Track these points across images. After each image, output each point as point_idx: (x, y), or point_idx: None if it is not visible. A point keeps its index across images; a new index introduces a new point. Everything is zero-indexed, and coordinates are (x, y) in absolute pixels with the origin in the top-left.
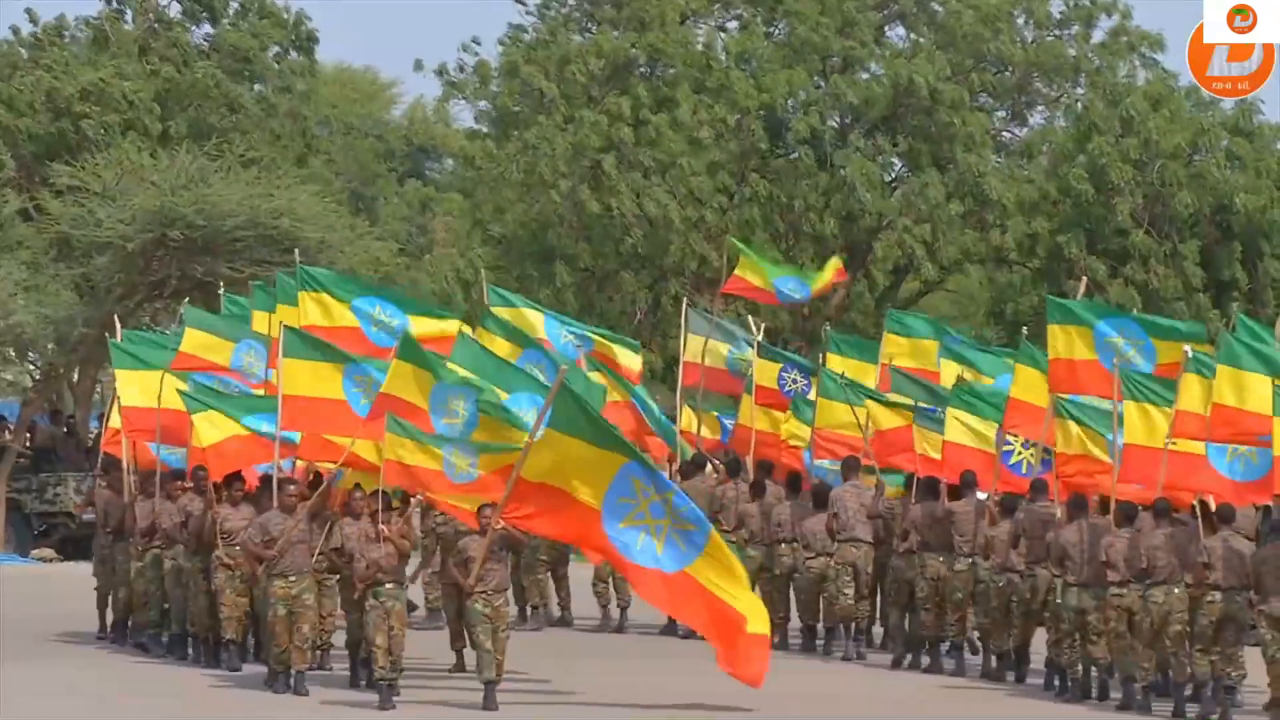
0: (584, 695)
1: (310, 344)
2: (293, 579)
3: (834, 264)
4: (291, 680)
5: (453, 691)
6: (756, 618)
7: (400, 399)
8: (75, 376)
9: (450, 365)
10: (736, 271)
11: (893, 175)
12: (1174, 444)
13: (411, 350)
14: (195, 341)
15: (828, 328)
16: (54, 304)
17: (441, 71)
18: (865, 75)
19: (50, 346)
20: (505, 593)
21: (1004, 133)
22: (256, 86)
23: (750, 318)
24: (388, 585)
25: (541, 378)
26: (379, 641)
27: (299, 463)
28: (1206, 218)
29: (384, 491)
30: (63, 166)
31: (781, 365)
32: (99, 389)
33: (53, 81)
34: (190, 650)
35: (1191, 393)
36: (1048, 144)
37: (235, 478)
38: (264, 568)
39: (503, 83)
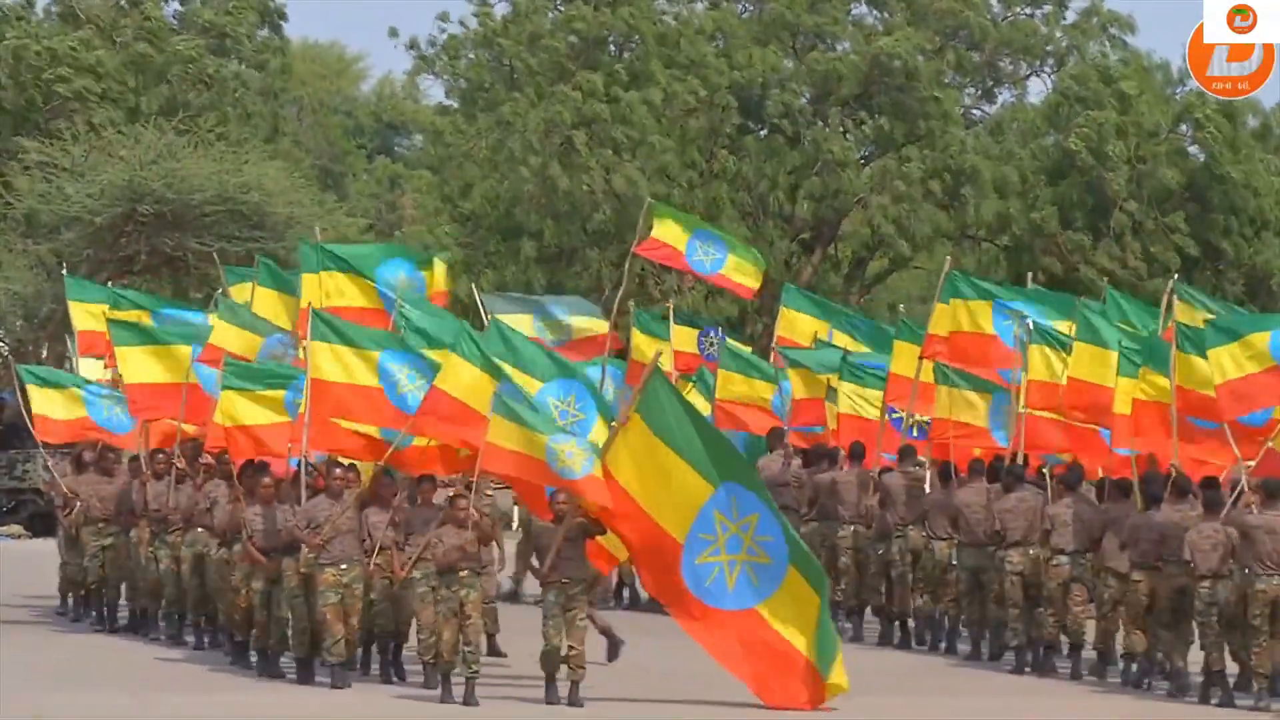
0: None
1: (338, 329)
2: (344, 567)
3: (756, 267)
4: (332, 673)
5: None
6: (830, 665)
7: (454, 398)
8: (44, 353)
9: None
10: (653, 234)
11: (862, 153)
12: (1028, 411)
13: (469, 349)
14: (224, 335)
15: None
16: (22, 280)
17: (413, 45)
18: (835, 51)
19: (18, 323)
20: (583, 583)
21: (973, 110)
22: (232, 64)
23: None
24: (463, 572)
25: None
26: (446, 634)
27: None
28: (1180, 193)
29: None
30: (31, 142)
31: (700, 329)
32: (68, 365)
33: (19, 42)
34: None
35: (1037, 363)
36: (1016, 122)
37: (251, 462)
38: (310, 555)
39: (475, 55)
